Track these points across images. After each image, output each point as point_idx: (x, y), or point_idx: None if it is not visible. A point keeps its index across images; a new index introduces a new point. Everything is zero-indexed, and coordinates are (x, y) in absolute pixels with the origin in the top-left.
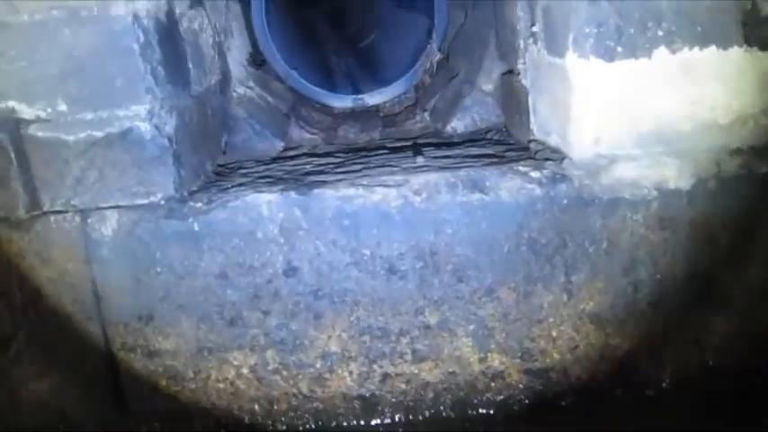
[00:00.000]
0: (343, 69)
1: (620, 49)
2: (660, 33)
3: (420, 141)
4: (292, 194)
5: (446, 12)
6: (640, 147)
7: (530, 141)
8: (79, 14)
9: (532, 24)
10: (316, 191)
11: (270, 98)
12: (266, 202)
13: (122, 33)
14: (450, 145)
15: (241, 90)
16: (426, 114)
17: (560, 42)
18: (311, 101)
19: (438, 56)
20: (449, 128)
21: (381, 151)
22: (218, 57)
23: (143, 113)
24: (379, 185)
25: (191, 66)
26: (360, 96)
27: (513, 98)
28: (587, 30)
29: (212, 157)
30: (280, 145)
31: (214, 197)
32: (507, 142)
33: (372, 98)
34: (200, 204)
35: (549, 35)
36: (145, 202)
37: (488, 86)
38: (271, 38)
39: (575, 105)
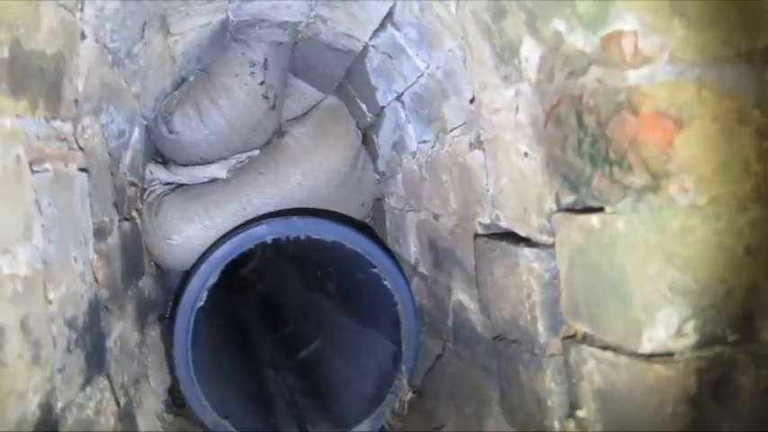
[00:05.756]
0: (285, 396)
1: None
2: None
3: None
4: None
5: (415, 343)
6: None
7: None
8: None
9: (576, 407)
10: None
11: None
12: None
13: None
14: None
15: None
16: None
17: None
18: None
19: (410, 394)
20: None
21: None
22: None
23: None
24: None
25: None
26: None
27: None
28: None
29: None
30: None
31: None
32: None
33: None
34: None
35: None
36: None
37: None
38: (195, 374)
39: None
